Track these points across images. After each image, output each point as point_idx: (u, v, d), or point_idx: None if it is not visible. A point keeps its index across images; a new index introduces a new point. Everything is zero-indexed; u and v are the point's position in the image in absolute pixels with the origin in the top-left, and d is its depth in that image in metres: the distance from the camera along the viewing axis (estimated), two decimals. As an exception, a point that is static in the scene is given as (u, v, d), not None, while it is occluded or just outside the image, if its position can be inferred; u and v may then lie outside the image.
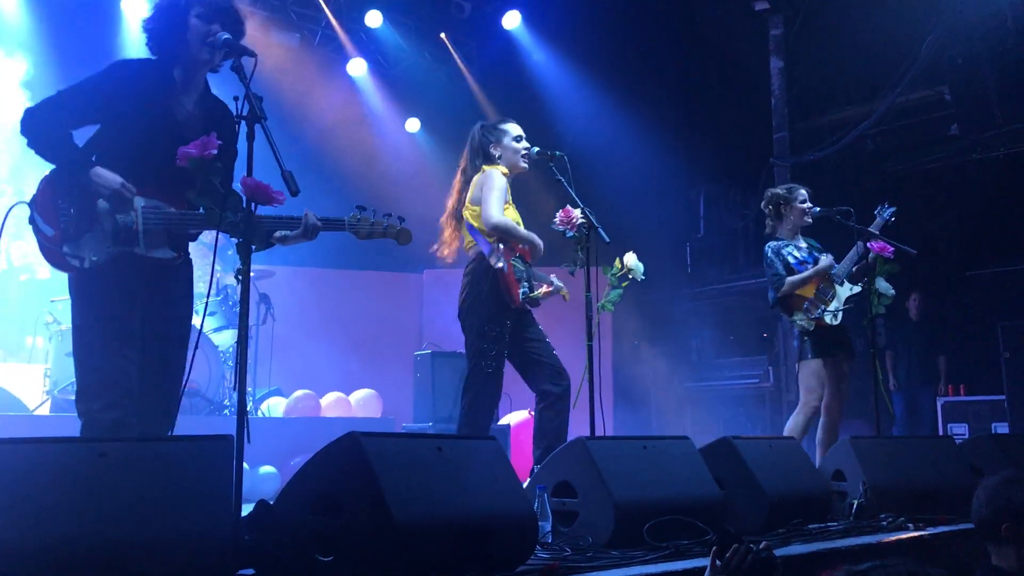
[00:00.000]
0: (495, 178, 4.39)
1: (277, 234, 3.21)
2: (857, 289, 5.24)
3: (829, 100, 9.20)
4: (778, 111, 9.20)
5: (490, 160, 4.53)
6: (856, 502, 3.89)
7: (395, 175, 9.92)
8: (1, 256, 8.39)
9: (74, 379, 6.47)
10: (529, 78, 10.12)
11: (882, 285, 5.05)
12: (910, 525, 3.69)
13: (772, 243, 5.40)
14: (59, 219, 2.99)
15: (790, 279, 5.25)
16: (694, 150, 10.34)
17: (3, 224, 3.03)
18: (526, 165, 4.56)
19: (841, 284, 5.27)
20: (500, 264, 4.27)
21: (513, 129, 4.57)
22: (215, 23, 3.08)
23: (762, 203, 5.60)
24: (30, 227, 3.04)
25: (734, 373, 9.59)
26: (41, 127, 3.00)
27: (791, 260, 5.31)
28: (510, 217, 4.39)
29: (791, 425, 5.24)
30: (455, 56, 10.44)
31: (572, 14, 9.81)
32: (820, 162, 8.95)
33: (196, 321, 3.29)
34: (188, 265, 3.27)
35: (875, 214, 5.41)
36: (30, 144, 3.02)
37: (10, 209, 3.06)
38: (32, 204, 3.04)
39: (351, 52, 10.05)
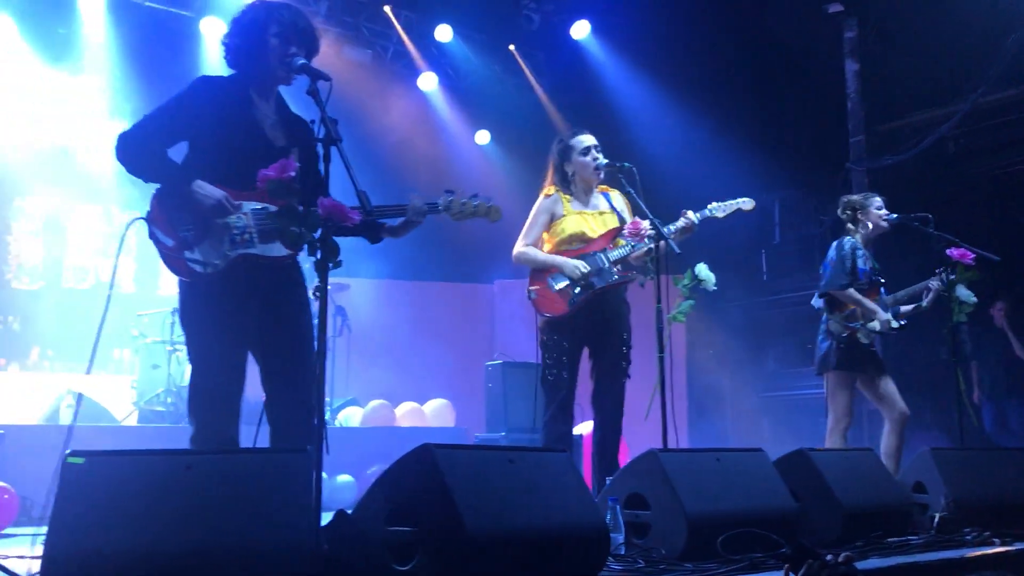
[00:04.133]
0: (535, 206, 4.62)
1: (384, 230, 3.36)
2: (897, 325, 5.09)
3: (907, 102, 8.98)
4: (854, 115, 9.03)
5: (563, 177, 4.62)
6: (938, 515, 3.80)
7: (465, 187, 9.96)
8: (107, 269, 8.73)
9: (158, 391, 6.70)
10: (598, 87, 10.11)
11: (962, 292, 4.90)
12: (996, 540, 3.58)
13: (852, 240, 5.28)
14: (176, 230, 3.08)
15: (852, 292, 5.11)
16: (768, 156, 10.18)
17: (123, 238, 3.16)
18: (598, 177, 4.59)
19: (886, 310, 5.15)
20: (531, 290, 4.51)
21: (579, 142, 4.61)
22: (292, 43, 3.17)
23: (838, 210, 5.50)
24: (147, 241, 3.12)
25: (812, 382, 9.40)
26: (136, 150, 3.11)
27: (860, 265, 5.20)
28: (574, 227, 4.48)
29: (830, 444, 5.16)
30: (524, 67, 10.50)
31: (641, 22, 9.77)
32: (898, 166, 8.73)
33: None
34: (299, 268, 3.33)
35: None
36: (129, 170, 3.12)
37: (128, 225, 3.16)
38: (148, 219, 3.13)
39: (422, 66, 10.20)
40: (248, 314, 3.13)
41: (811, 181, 9.87)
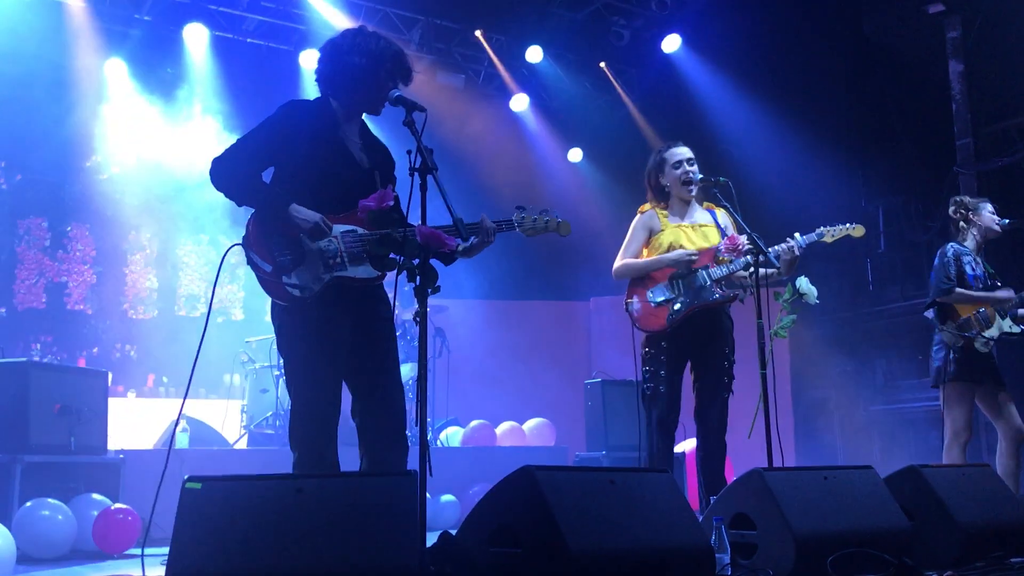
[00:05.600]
0: (632, 223, 4.62)
1: (460, 248, 3.26)
2: (1017, 331, 4.88)
3: (1015, 102, 8.62)
4: (960, 116, 8.71)
5: (659, 191, 4.60)
6: (1064, 534, 3.62)
7: (560, 206, 9.95)
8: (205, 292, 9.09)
9: (268, 415, 6.87)
10: (691, 101, 10.02)
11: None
12: None
13: (955, 245, 5.12)
14: (273, 255, 3.13)
15: (961, 290, 4.95)
16: (870, 162, 9.92)
17: (220, 265, 3.27)
18: (692, 193, 4.54)
19: (1004, 317, 4.93)
20: (628, 302, 4.49)
21: (672, 155, 4.56)
22: (385, 73, 3.20)
23: (950, 209, 5.31)
24: (248, 267, 3.20)
25: (923, 395, 9.07)
26: (229, 174, 3.15)
27: (968, 271, 5.02)
28: (672, 239, 4.45)
29: (948, 459, 4.94)
30: (615, 84, 10.52)
31: (734, 33, 9.66)
32: (1008, 168, 8.38)
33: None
34: (386, 299, 3.35)
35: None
36: (225, 193, 3.18)
37: (228, 250, 3.21)
38: (245, 244, 3.18)
39: (513, 88, 10.33)
40: (342, 336, 3.18)
41: (916, 187, 9.55)
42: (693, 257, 4.35)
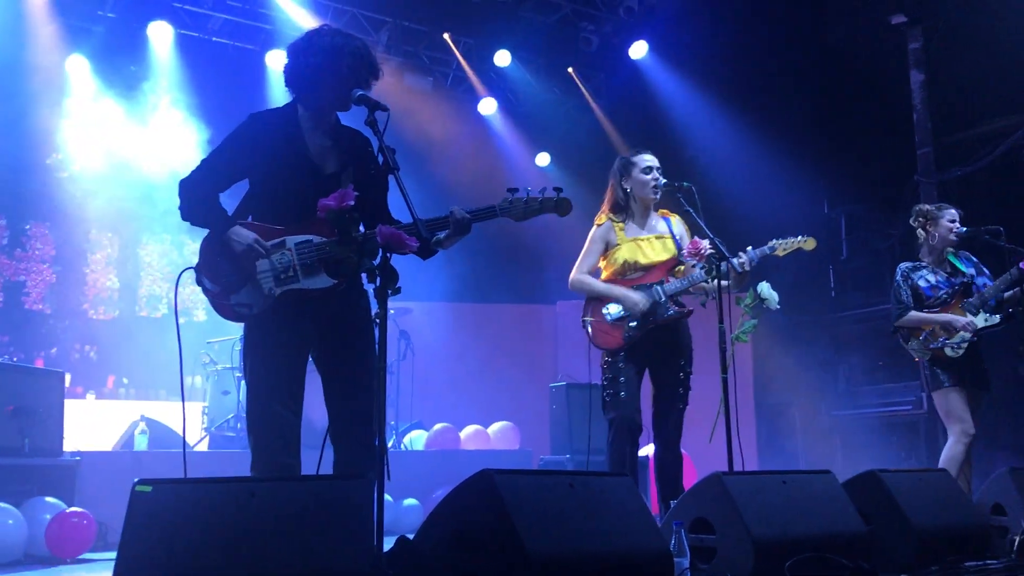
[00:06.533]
0: (590, 234, 4.61)
1: (434, 243, 3.23)
2: (995, 320, 4.95)
3: (976, 112, 8.76)
4: (921, 126, 8.82)
5: (618, 196, 4.59)
6: (1018, 538, 3.67)
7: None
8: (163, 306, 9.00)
9: (228, 417, 6.81)
10: (658, 107, 10.07)
11: (1040, 307, 4.76)
12: (1080, 564, 3.45)
13: (904, 265, 5.22)
14: (220, 275, 3.16)
15: (913, 314, 5.07)
16: (833, 170, 10.02)
17: (176, 291, 3.34)
18: (656, 196, 4.55)
19: (976, 314, 4.99)
20: (584, 319, 4.51)
21: (642, 160, 4.57)
22: (350, 71, 3.15)
23: (910, 218, 5.38)
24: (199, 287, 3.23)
25: (885, 400, 9.18)
26: (190, 197, 3.19)
27: (922, 284, 5.12)
28: (628, 254, 4.46)
29: (949, 456, 4.96)
30: (583, 89, 10.55)
31: (700, 40, 9.73)
32: (968, 178, 8.52)
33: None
34: (363, 297, 3.30)
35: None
36: (184, 217, 3.21)
37: (180, 275, 3.29)
38: (196, 268, 3.22)
39: (481, 92, 10.33)
40: (302, 344, 3.18)
41: (878, 195, 9.67)
42: (641, 308, 4.35)
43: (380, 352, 2.68)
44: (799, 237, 4.44)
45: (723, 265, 4.08)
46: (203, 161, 3.26)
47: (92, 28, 8.67)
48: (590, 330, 4.50)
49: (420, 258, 3.27)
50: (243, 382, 6.98)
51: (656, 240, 4.54)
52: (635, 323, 4.37)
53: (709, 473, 3.26)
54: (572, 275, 4.60)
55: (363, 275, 3.16)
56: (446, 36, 9.76)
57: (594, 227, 4.63)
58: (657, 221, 4.63)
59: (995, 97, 8.44)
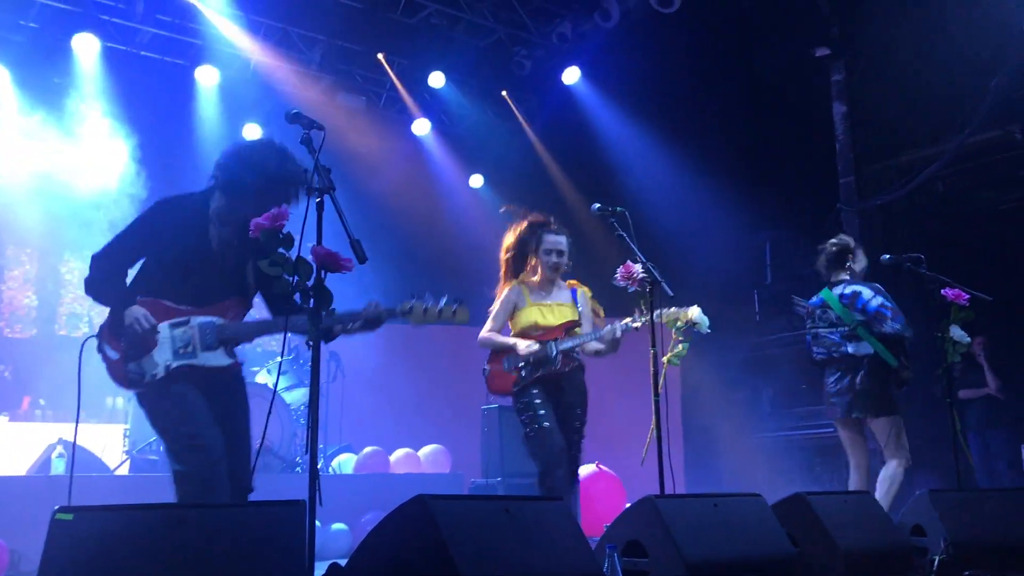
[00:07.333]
0: (501, 295, 4.85)
1: (337, 328, 3.39)
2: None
3: (896, 143, 9.06)
4: (843, 156, 9.10)
5: (520, 261, 4.84)
6: (938, 558, 3.77)
7: (460, 231, 10.08)
8: (99, 318, 8.70)
9: (151, 439, 6.66)
10: (590, 132, 10.19)
11: (957, 333, 4.92)
12: (996, 582, 3.56)
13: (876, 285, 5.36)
14: (121, 345, 3.31)
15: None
16: (758, 197, 10.25)
17: (80, 358, 3.42)
18: (552, 276, 4.76)
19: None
20: (484, 368, 4.84)
21: (547, 242, 4.76)
22: (278, 195, 3.24)
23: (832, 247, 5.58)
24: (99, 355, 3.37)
25: (808, 423, 9.37)
26: (99, 274, 3.36)
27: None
28: (530, 317, 4.71)
29: (891, 475, 5.07)
30: (516, 112, 10.62)
31: (630, 67, 9.88)
32: (888, 206, 8.80)
33: (268, 380, 3.38)
34: (240, 378, 3.50)
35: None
36: (87, 290, 3.38)
37: (84, 343, 3.41)
38: (99, 335, 3.39)
39: (415, 112, 10.32)
40: (200, 403, 3.29)
41: (802, 222, 9.92)
42: (534, 353, 4.56)
43: (313, 375, 2.65)
44: (683, 308, 4.31)
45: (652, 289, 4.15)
46: (115, 239, 3.41)
47: (12, 38, 8.42)
48: (487, 378, 4.79)
49: (325, 341, 3.32)
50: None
51: (558, 307, 4.76)
52: (526, 371, 4.58)
53: (641, 496, 3.28)
54: (483, 333, 4.84)
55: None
56: (380, 56, 9.73)
57: (506, 289, 4.82)
58: (563, 293, 4.83)
59: (915, 128, 8.75)
